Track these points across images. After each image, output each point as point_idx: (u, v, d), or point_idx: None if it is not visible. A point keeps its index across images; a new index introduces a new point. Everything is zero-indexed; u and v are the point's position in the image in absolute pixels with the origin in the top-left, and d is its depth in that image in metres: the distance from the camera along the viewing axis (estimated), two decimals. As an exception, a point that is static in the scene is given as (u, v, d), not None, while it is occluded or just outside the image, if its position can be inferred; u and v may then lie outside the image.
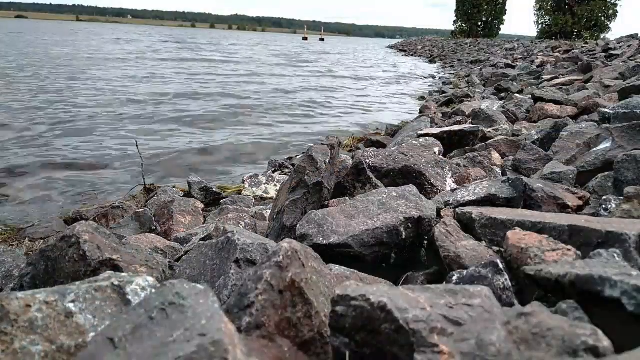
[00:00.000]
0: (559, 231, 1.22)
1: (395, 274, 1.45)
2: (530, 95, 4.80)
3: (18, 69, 13.45)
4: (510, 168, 2.48)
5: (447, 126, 4.20)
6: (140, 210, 2.91)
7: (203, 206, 3.31)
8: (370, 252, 1.49)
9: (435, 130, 3.49)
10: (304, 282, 0.93)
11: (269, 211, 2.92)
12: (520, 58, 16.01)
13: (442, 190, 2.20)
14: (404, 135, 4.17)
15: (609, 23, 42.29)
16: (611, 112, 2.32)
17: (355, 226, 1.52)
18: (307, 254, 1.00)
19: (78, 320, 0.91)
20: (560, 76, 7.35)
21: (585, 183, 1.94)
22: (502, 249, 1.23)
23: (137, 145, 4.59)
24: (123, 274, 1.04)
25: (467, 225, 1.46)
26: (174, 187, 4.03)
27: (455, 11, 59.09)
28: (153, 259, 1.41)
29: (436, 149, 2.80)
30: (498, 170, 2.61)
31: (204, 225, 2.77)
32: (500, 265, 1.11)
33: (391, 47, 62.10)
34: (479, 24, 56.76)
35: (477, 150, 3.02)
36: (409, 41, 69.94)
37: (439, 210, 1.68)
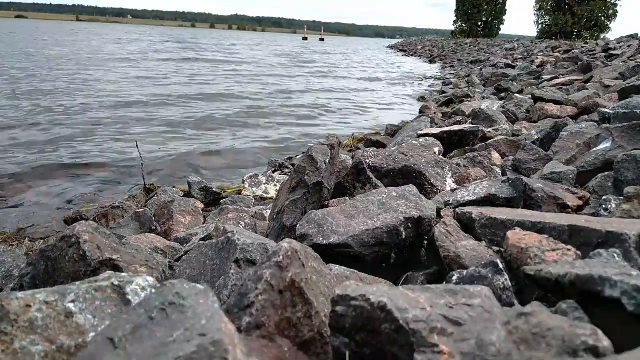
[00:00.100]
0: (559, 231, 1.22)
1: (395, 274, 1.45)
2: (530, 95, 4.80)
3: (19, 70, 13.43)
4: (510, 168, 2.48)
5: (447, 126, 4.20)
6: (140, 210, 2.91)
7: (203, 206, 3.31)
8: (370, 252, 1.49)
9: (435, 130, 3.49)
10: (304, 282, 0.93)
11: (269, 211, 2.92)
12: (520, 58, 16.01)
13: (442, 190, 2.20)
14: (404, 135, 4.17)
15: (609, 23, 42.32)
16: (611, 112, 2.33)
17: (355, 226, 1.52)
18: (307, 254, 1.00)
19: (78, 320, 0.91)
20: (560, 76, 7.35)
21: (585, 183, 1.94)
22: (502, 249, 1.23)
23: (137, 146, 4.59)
24: (123, 274, 1.04)
25: (467, 225, 1.46)
26: (174, 187, 4.03)
27: (455, 11, 59.12)
28: (153, 259, 1.41)
29: (436, 149, 2.80)
30: (498, 170, 2.61)
31: (204, 225, 2.77)
32: (500, 265, 1.11)
33: (391, 47, 62.10)
34: (479, 24, 56.77)
35: (477, 150, 3.02)
36: (409, 41, 69.95)
37: (439, 210, 1.68)
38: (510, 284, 1.09)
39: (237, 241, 1.29)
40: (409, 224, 1.52)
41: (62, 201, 4.24)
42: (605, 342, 0.67)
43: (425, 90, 13.25)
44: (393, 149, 2.72)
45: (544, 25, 45.06)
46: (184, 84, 12.66)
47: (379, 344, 0.79)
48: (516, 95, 5.12)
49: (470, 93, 7.97)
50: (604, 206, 1.53)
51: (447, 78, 15.43)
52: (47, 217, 3.70)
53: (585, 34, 39.04)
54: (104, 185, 4.72)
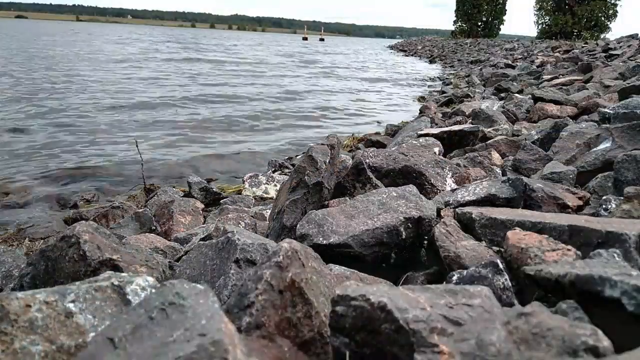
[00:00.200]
0: (559, 231, 1.22)
1: (395, 274, 1.45)
2: (530, 95, 4.80)
3: (19, 71, 13.40)
4: (510, 168, 2.48)
5: (447, 126, 4.20)
6: (140, 210, 2.91)
7: (203, 206, 3.31)
8: (370, 252, 1.49)
9: (435, 130, 3.49)
10: (304, 282, 0.93)
11: (269, 211, 2.92)
12: (520, 58, 16.01)
13: (442, 190, 2.20)
14: (404, 135, 4.17)
15: (609, 23, 42.32)
16: (611, 112, 2.33)
17: (355, 226, 1.52)
18: (307, 254, 1.00)
19: (78, 320, 0.91)
20: (560, 76, 7.35)
21: (585, 183, 1.94)
22: (502, 249, 1.23)
23: (137, 146, 4.59)
24: (123, 274, 1.04)
25: (467, 225, 1.46)
26: (174, 187, 4.03)
27: (455, 11, 59.12)
28: (153, 259, 1.41)
29: (436, 149, 2.80)
30: (498, 170, 2.61)
31: (204, 225, 2.77)
32: (500, 265, 1.11)
33: (391, 47, 62.10)
34: (479, 24, 56.77)
35: (477, 150, 3.02)
36: (409, 41, 69.94)
37: (439, 210, 1.68)
38: (510, 284, 1.09)
39: (237, 241, 1.29)
40: (409, 224, 1.52)
41: (62, 201, 4.24)
42: (605, 342, 0.67)
43: (425, 90, 13.25)
44: (393, 149, 2.72)
45: (544, 25, 45.07)
46: (185, 84, 12.62)
47: (379, 344, 0.79)
48: (516, 95, 5.12)
49: (470, 93, 7.97)
50: (604, 206, 1.53)
51: (447, 78, 15.43)
52: (47, 217, 3.70)
53: (585, 34, 39.05)
54: (104, 185, 4.72)
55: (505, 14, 57.35)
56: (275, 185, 3.90)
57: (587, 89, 4.95)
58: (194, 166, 5.53)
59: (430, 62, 28.21)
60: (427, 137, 3.05)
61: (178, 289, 0.79)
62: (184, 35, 72.16)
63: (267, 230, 2.16)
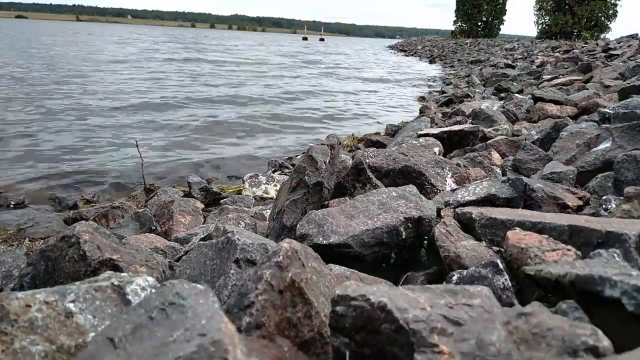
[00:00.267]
0: (559, 231, 1.22)
1: (395, 274, 1.45)
2: (530, 95, 4.79)
3: (20, 72, 13.37)
4: (510, 168, 2.48)
5: (447, 126, 4.20)
6: (140, 210, 2.91)
7: (203, 206, 3.31)
8: (370, 252, 1.49)
9: (435, 130, 3.49)
10: (304, 282, 0.93)
11: (269, 211, 2.92)
12: (520, 58, 16.01)
13: (442, 190, 2.20)
14: (404, 135, 4.17)
15: (609, 23, 42.32)
16: (611, 112, 2.32)
17: (355, 226, 1.52)
18: (307, 254, 1.00)
19: (78, 320, 0.91)
20: (560, 76, 7.35)
21: (585, 183, 1.94)
22: (502, 249, 1.23)
23: (137, 146, 4.59)
24: (123, 274, 1.04)
25: (467, 225, 1.45)
26: (174, 187, 4.03)
27: (455, 11, 59.11)
28: (153, 259, 1.41)
29: (436, 149, 2.80)
30: (498, 170, 2.61)
31: (204, 225, 2.77)
32: (500, 265, 1.11)
33: (391, 47, 62.10)
34: (479, 24, 56.76)
35: (477, 150, 3.02)
36: (409, 41, 69.95)
37: (439, 210, 1.68)
38: (510, 284, 1.09)
39: (237, 241, 1.29)
40: (409, 224, 1.52)
41: (62, 201, 4.24)
42: (605, 342, 0.67)
43: (425, 90, 13.25)
44: (393, 149, 2.72)
45: (544, 25, 45.06)
46: (186, 85, 12.58)
47: (379, 344, 0.79)
48: (516, 95, 5.12)
49: (470, 93, 7.97)
50: (604, 206, 1.53)
51: (447, 78, 15.43)
52: (47, 217, 3.70)
53: (585, 34, 39.05)
54: (104, 185, 4.72)
55: (505, 14, 57.35)
56: (275, 185, 3.90)
57: (587, 89, 4.95)
58: (194, 166, 5.53)
59: (430, 62, 28.22)
60: (427, 137, 3.05)
61: (178, 289, 0.79)
62: (184, 35, 72.14)
63: (267, 230, 2.16)
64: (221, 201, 3.55)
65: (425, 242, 1.57)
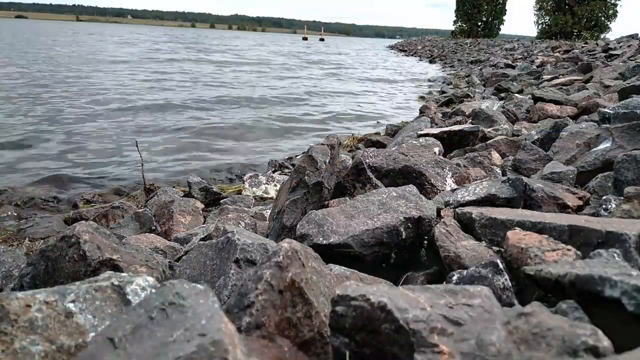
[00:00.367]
0: (559, 231, 1.22)
1: (395, 274, 1.45)
2: (530, 95, 4.79)
3: (21, 73, 13.33)
4: (510, 168, 2.48)
5: (447, 126, 4.20)
6: (140, 210, 2.91)
7: (203, 206, 3.31)
8: (370, 252, 1.49)
9: (435, 130, 3.49)
10: (304, 282, 0.93)
11: (269, 211, 2.92)
12: (520, 58, 16.01)
13: (442, 190, 2.20)
14: (404, 135, 4.17)
15: (609, 23, 42.31)
16: (611, 112, 2.32)
17: (355, 226, 1.52)
18: (307, 254, 1.00)
19: (78, 320, 0.91)
20: (560, 76, 7.35)
21: (585, 183, 1.94)
22: (502, 249, 1.23)
23: (137, 146, 4.59)
24: (123, 274, 1.04)
25: (467, 225, 1.45)
26: (174, 187, 4.03)
27: (455, 11, 59.10)
28: (153, 259, 1.41)
29: (436, 149, 2.80)
30: (498, 170, 2.61)
31: (204, 225, 2.77)
32: (500, 265, 1.11)
33: (391, 47, 62.12)
34: (479, 24, 56.75)
35: (477, 150, 3.02)
36: (409, 41, 69.95)
37: (439, 210, 1.68)
38: (510, 284, 1.09)
39: (237, 241, 1.29)
40: (409, 224, 1.52)
41: (62, 201, 4.24)
42: (605, 342, 0.67)
43: (425, 90, 13.25)
44: (393, 149, 2.72)
45: (544, 25, 45.05)
46: (188, 86, 12.51)
47: (379, 344, 0.79)
48: (516, 95, 5.12)
49: (470, 93, 7.97)
50: (604, 206, 1.53)
51: (447, 78, 15.43)
52: (47, 217, 3.70)
53: (585, 34, 39.06)
54: (104, 185, 4.72)
55: (505, 14, 57.34)
56: (275, 185, 3.90)
57: (587, 89, 4.95)
58: (194, 167, 5.53)
59: (430, 62, 28.22)
60: (427, 137, 3.05)
61: (178, 289, 0.79)
62: (184, 35, 72.12)
63: (267, 230, 2.16)
64: (221, 201, 3.55)
65: (425, 242, 1.57)
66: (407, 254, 1.56)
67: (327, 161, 1.93)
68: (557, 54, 13.55)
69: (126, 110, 8.59)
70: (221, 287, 1.23)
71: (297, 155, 5.72)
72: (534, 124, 3.85)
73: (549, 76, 7.63)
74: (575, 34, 39.93)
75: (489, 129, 3.65)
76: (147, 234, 2.43)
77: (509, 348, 0.70)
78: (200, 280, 1.32)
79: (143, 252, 1.43)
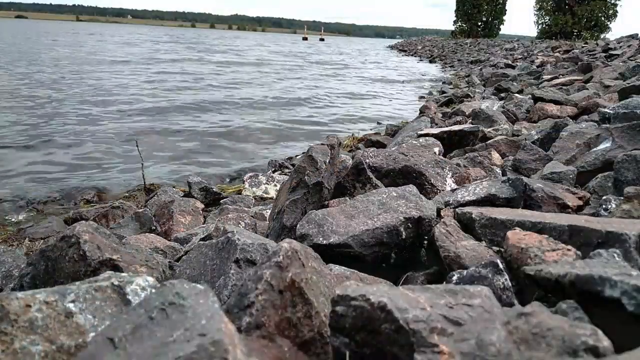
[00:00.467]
0: (559, 231, 1.22)
1: (395, 274, 1.45)
2: (530, 95, 4.79)
3: (23, 74, 13.29)
4: (510, 168, 2.48)
5: (447, 126, 4.20)
6: (140, 210, 2.91)
7: (203, 206, 3.31)
8: (370, 252, 1.49)
9: (435, 130, 3.49)
10: (304, 282, 0.93)
11: (269, 211, 2.92)
12: (520, 58, 16.01)
13: (442, 190, 2.20)
14: (404, 135, 4.17)
15: (609, 23, 42.31)
16: (611, 112, 2.32)
17: (355, 226, 1.52)
18: (307, 254, 1.00)
19: (78, 320, 0.91)
20: (560, 76, 7.35)
21: (585, 183, 1.94)
22: (502, 249, 1.23)
23: (137, 145, 4.59)
24: (123, 274, 1.04)
25: (467, 225, 1.45)
26: (174, 187, 4.03)
27: (455, 11, 59.11)
28: (153, 259, 1.41)
29: (436, 149, 2.80)
30: (498, 170, 2.61)
31: (204, 225, 2.77)
32: (500, 265, 1.11)
33: (391, 47, 62.11)
34: (479, 24, 56.76)
35: (477, 150, 3.02)
36: (409, 41, 69.96)
37: (439, 210, 1.68)
38: (510, 284, 1.09)
39: (237, 241, 1.29)
40: (409, 224, 1.52)
41: (62, 201, 4.24)
42: (605, 342, 0.67)
43: (425, 90, 13.25)
44: (393, 149, 2.72)
45: (544, 25, 45.05)
46: (191, 87, 12.45)
47: (379, 344, 0.79)
48: (516, 95, 5.12)
49: (470, 93, 7.97)
50: (604, 206, 1.53)
51: (447, 78, 15.42)
52: (47, 217, 3.70)
53: (585, 34, 39.07)
54: (104, 185, 4.72)
55: (505, 14, 57.34)
56: (275, 185, 3.90)
57: (587, 89, 4.95)
58: (194, 167, 5.53)
59: (430, 62, 28.23)
60: (427, 137, 3.05)
61: (178, 289, 0.79)
62: (185, 36, 72.09)
63: (267, 230, 2.16)
64: (221, 201, 3.55)
65: (425, 242, 1.57)
66: (407, 254, 1.56)
67: (327, 161, 1.93)
68: (557, 54, 13.55)
69: (126, 111, 8.59)
70: (221, 287, 1.23)
71: (297, 155, 5.72)
72: (534, 124, 3.85)
73: (549, 76, 7.63)
74: (575, 34, 39.93)
75: (489, 129, 3.66)
76: (147, 234, 2.43)
77: (509, 348, 0.70)
78: (200, 280, 1.32)
79: (143, 252, 1.43)
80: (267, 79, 15.57)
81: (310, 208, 1.84)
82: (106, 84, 12.10)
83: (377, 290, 0.83)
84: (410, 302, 0.81)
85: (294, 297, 0.90)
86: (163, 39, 49.14)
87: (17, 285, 1.34)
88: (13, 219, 3.70)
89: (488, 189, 1.69)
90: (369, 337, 0.80)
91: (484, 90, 8.36)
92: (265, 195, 3.80)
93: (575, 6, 42.37)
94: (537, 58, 12.83)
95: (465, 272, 1.15)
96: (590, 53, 11.49)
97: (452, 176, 2.33)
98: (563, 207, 1.59)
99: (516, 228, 1.26)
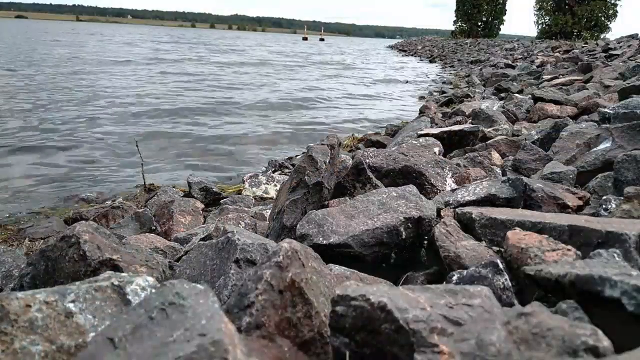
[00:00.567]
0: (559, 231, 1.22)
1: (395, 274, 1.45)
2: (530, 95, 4.79)
3: (24, 75, 13.27)
4: (510, 168, 2.48)
5: (447, 126, 4.20)
6: (140, 210, 2.91)
7: (203, 206, 3.31)
8: (370, 252, 1.49)
9: (435, 130, 3.49)
10: (304, 282, 0.93)
11: (269, 211, 2.92)
12: (520, 58, 16.01)
13: (442, 190, 2.20)
14: (404, 135, 4.17)
15: (609, 23, 42.30)
16: (611, 112, 2.32)
17: (355, 226, 1.52)
18: (307, 254, 1.00)
19: (78, 320, 0.91)
20: (560, 76, 7.35)
21: (585, 183, 1.94)
22: (502, 249, 1.23)
23: (137, 146, 4.59)
24: (123, 274, 1.04)
25: (467, 225, 1.45)
26: (174, 187, 4.03)
27: (455, 11, 59.10)
28: (153, 259, 1.41)
29: (436, 149, 2.80)
30: (498, 170, 2.61)
31: (204, 225, 2.77)
32: (500, 265, 1.11)
33: (391, 47, 62.12)
34: (479, 24, 56.75)
35: (477, 150, 3.02)
36: (409, 41, 69.96)
37: (439, 210, 1.68)
38: (510, 284, 1.09)
39: (237, 241, 1.29)
40: (409, 224, 1.52)
41: (62, 201, 4.24)
42: (605, 342, 0.67)
43: (425, 90, 13.24)
44: (393, 149, 2.72)
45: (544, 25, 45.05)
46: (191, 87, 12.38)
47: (379, 344, 0.79)
48: (516, 95, 5.12)
49: (470, 93, 7.97)
50: (604, 206, 1.53)
51: (447, 78, 15.42)
52: (47, 217, 3.70)
53: (585, 34, 39.07)
54: (104, 185, 4.72)
55: (505, 14, 57.33)
56: (275, 185, 3.90)
57: (587, 89, 4.95)
58: (194, 167, 5.53)
59: (430, 62, 28.23)
60: (427, 137, 3.05)
61: (178, 289, 0.79)
62: (185, 36, 72.09)
63: (267, 230, 2.16)
64: (221, 201, 3.55)
65: (425, 242, 1.57)
66: (407, 254, 1.56)
67: (327, 161, 1.93)
68: (557, 54, 13.55)
69: (127, 111, 8.59)
70: (221, 287, 1.23)
71: (297, 155, 5.72)
72: (534, 124, 3.85)
73: (549, 76, 7.63)
74: (575, 34, 39.92)
75: (489, 129, 3.65)
76: (147, 234, 2.43)
77: (509, 348, 0.70)
78: (200, 280, 1.32)
79: (143, 252, 1.43)
80: (268, 79, 15.56)
81: (310, 208, 1.84)
82: (107, 84, 12.10)
83: (377, 290, 0.83)
84: (410, 302, 0.81)
85: (294, 297, 0.90)
86: (164, 39, 49.15)
87: (17, 285, 1.34)
88: (13, 219, 3.70)
89: (488, 189, 1.69)
90: (369, 337, 0.80)
91: (484, 90, 8.36)
92: (265, 195, 3.80)
93: (575, 6, 42.37)
94: (537, 58, 12.83)
95: (465, 272, 1.15)
96: (590, 53, 11.49)
97: (452, 176, 2.33)
98: (563, 207, 1.59)
99: (516, 228, 1.26)
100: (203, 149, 6.36)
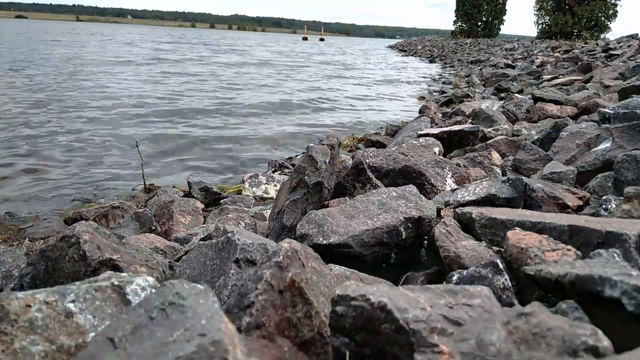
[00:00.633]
0: (559, 231, 1.22)
1: (395, 274, 1.45)
2: (530, 95, 4.80)
3: (24, 75, 13.26)
4: (510, 168, 2.48)
5: (447, 126, 4.20)
6: (140, 210, 2.91)
7: (203, 206, 3.31)
8: (370, 252, 1.49)
9: (435, 130, 3.49)
10: (304, 282, 0.93)
11: (269, 211, 2.92)
12: (520, 58, 16.01)
13: (442, 190, 2.20)
14: (404, 135, 4.17)
15: (609, 23, 42.30)
16: (611, 112, 2.32)
17: (355, 226, 1.52)
18: (307, 254, 1.00)
19: (78, 320, 0.91)
20: (560, 76, 7.35)
21: (585, 183, 1.94)
22: (502, 249, 1.23)
23: (137, 146, 4.59)
24: (123, 274, 1.04)
25: (467, 225, 1.45)
26: (174, 187, 4.03)
27: (455, 11, 59.10)
28: (153, 259, 1.41)
29: (436, 149, 2.80)
30: (498, 170, 2.61)
31: (204, 225, 2.77)
32: (500, 265, 1.11)
33: (391, 47, 62.12)
34: (479, 24, 56.74)
35: (477, 150, 3.02)
36: (408, 41, 69.97)
37: (439, 210, 1.68)
38: (510, 284, 1.09)
39: (237, 241, 1.29)
40: (409, 224, 1.52)
41: (62, 201, 4.24)
42: (605, 342, 0.67)
43: (425, 90, 13.24)
44: (393, 149, 2.72)
45: (544, 25, 45.05)
46: (192, 88, 12.35)
47: (379, 344, 0.79)
48: (516, 95, 5.12)
49: (470, 93, 7.97)
50: (604, 206, 1.53)
51: (447, 78, 15.42)
52: (47, 217, 3.70)
53: (585, 34, 39.07)
54: (104, 185, 4.72)
55: (505, 14, 57.32)
56: (275, 185, 3.90)
57: (587, 89, 4.95)
58: (194, 167, 5.53)
59: (430, 62, 28.23)
60: (427, 137, 3.05)
61: (178, 289, 0.79)
62: (185, 36, 72.08)
63: (267, 230, 2.16)
64: (221, 201, 3.55)
65: (425, 242, 1.57)
66: (407, 254, 1.56)
67: (327, 161, 1.93)
68: (557, 54, 13.55)
69: (127, 111, 8.59)
70: (221, 287, 1.23)
71: (297, 155, 5.72)
72: (534, 124, 3.85)
73: (549, 76, 7.63)
74: (575, 34, 39.92)
75: (489, 129, 3.66)
76: (147, 234, 2.43)
77: (509, 348, 0.70)
78: (200, 280, 1.32)
79: (143, 252, 1.43)
80: (269, 79, 15.55)
81: (310, 208, 1.84)
82: (107, 84, 12.09)
83: (377, 290, 0.83)
84: (410, 302, 0.81)
85: (294, 297, 0.90)
86: (164, 39, 49.14)
87: (17, 285, 1.34)
88: (13, 219, 3.70)
89: (488, 189, 1.69)
90: (369, 337, 0.80)
91: (484, 90, 8.36)
92: (265, 195, 3.80)
93: (575, 6, 42.36)
94: (537, 58, 12.83)
95: (465, 272, 1.15)
96: (590, 53, 11.49)
97: (452, 176, 2.33)
98: (563, 207, 1.59)
99: (516, 228, 1.26)
100: (203, 149, 6.37)
